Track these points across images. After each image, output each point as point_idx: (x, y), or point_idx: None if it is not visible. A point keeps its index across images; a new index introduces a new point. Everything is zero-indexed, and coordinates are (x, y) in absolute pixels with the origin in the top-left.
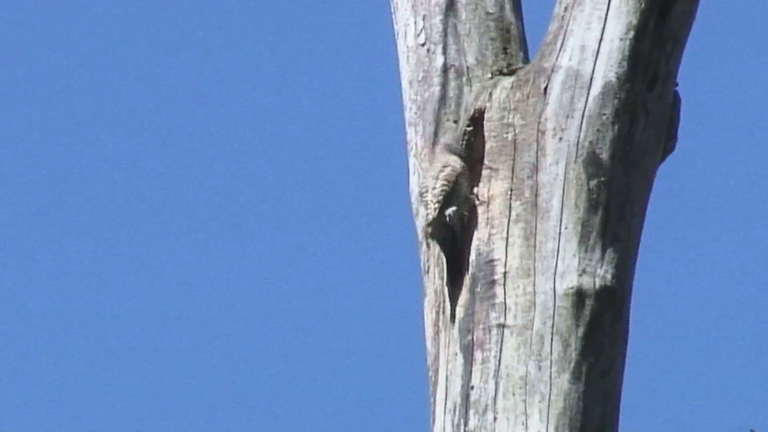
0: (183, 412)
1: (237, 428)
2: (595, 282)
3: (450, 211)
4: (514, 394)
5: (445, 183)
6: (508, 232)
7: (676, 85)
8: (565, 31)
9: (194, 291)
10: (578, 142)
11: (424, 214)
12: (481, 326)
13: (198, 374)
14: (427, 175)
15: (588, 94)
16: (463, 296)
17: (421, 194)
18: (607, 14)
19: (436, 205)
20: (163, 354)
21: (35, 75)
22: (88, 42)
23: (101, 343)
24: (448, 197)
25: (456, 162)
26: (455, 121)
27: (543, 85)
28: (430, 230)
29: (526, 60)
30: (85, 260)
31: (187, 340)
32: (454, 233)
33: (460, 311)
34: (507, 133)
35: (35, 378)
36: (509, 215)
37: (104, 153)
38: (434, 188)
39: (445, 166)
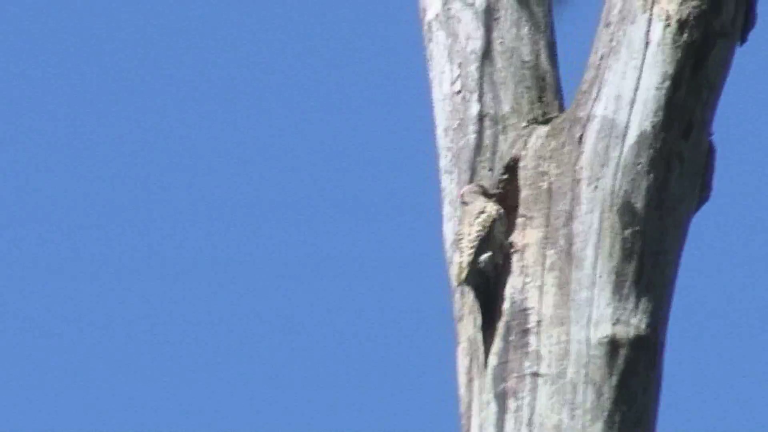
0: (183, 412)
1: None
2: (629, 331)
3: (485, 257)
4: None
5: (481, 229)
6: (542, 281)
7: (712, 134)
8: (601, 80)
9: (207, 291)
10: (613, 191)
11: (458, 260)
12: (514, 374)
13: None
14: (463, 220)
15: (623, 143)
16: (497, 344)
17: (456, 241)
18: (642, 63)
19: (471, 250)
20: (161, 354)
21: (35, 75)
22: (87, 41)
23: (101, 343)
24: (483, 243)
25: (492, 208)
26: (490, 169)
27: (578, 134)
28: (464, 276)
29: (561, 109)
30: (84, 260)
31: (192, 340)
32: (488, 280)
33: (493, 359)
34: (542, 181)
35: (34, 378)
36: (543, 264)
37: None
38: (469, 234)
39: (480, 213)
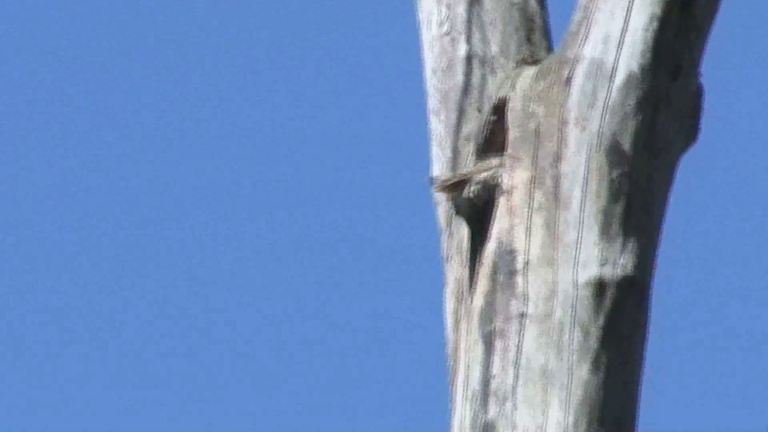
0: (182, 412)
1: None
2: (616, 272)
3: (473, 188)
4: (534, 384)
5: (481, 165)
6: (529, 222)
7: (700, 75)
8: (589, 21)
9: (201, 290)
10: (600, 132)
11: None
12: (501, 315)
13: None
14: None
15: (611, 84)
16: (484, 285)
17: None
18: (630, 4)
19: (467, 170)
20: (160, 353)
21: (35, 74)
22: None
23: (101, 343)
24: (477, 173)
25: (497, 159)
26: (478, 110)
27: (566, 75)
28: (453, 198)
29: (549, 50)
30: (84, 259)
31: (188, 340)
32: (476, 214)
33: (480, 300)
34: (529, 122)
35: (35, 378)
36: (531, 205)
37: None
38: (467, 165)
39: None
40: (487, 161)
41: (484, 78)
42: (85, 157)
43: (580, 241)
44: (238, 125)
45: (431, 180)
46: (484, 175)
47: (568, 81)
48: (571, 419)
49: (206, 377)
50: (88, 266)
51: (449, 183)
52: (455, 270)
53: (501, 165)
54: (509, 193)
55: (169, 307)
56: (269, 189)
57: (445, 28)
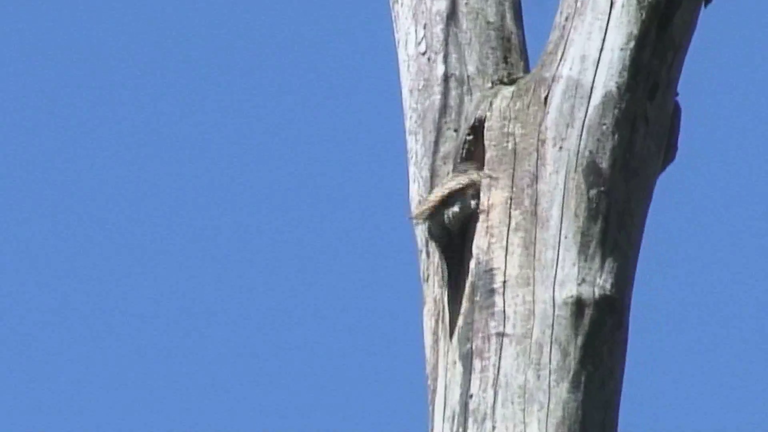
0: (182, 412)
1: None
2: (594, 291)
3: (450, 212)
4: (512, 403)
5: (456, 184)
6: (507, 241)
7: (677, 94)
8: (566, 40)
9: (191, 291)
10: (578, 151)
11: (424, 198)
12: (480, 335)
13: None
14: (442, 179)
15: (588, 103)
16: (463, 305)
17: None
18: (608, 24)
19: (441, 193)
20: (158, 353)
21: (34, 74)
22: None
23: (100, 343)
24: (452, 198)
25: (476, 174)
26: (455, 130)
27: (543, 95)
28: (423, 212)
29: (526, 70)
30: (83, 259)
31: (188, 340)
32: (452, 239)
33: (459, 320)
34: (507, 142)
35: (34, 378)
36: (509, 224)
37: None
38: (443, 185)
39: (463, 172)
40: (461, 175)
41: (461, 98)
42: (85, 157)
43: (558, 261)
44: (224, 133)
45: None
46: (459, 202)
47: (546, 100)
48: None
49: (206, 377)
50: (88, 266)
51: (423, 212)
52: (433, 290)
53: (475, 183)
54: (487, 212)
55: (168, 307)
56: (268, 191)
57: (422, 47)
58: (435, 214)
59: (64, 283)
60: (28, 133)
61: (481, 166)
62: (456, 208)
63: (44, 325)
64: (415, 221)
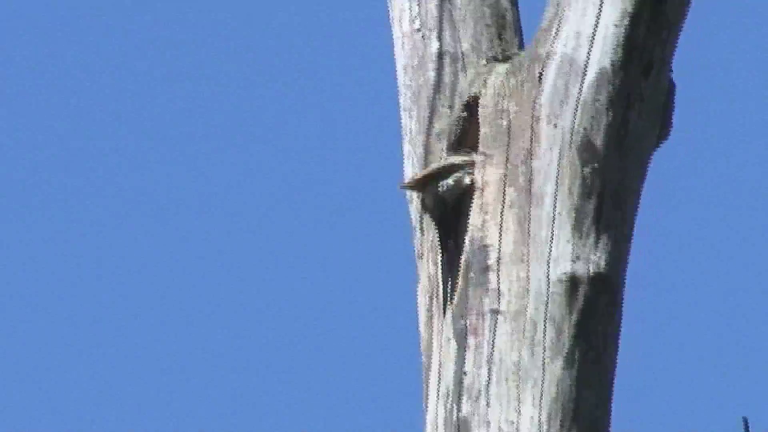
0: (182, 411)
1: (230, 425)
2: (588, 268)
3: (445, 184)
4: (507, 380)
5: (451, 160)
6: (501, 218)
7: (671, 72)
8: (561, 17)
9: (190, 291)
10: (573, 128)
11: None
12: (474, 312)
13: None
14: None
15: (583, 80)
16: (457, 282)
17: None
18: (602, 1)
19: (433, 170)
20: (157, 353)
21: (34, 74)
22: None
23: (99, 343)
24: (447, 172)
25: (470, 154)
26: (450, 107)
27: (538, 72)
28: (415, 183)
29: (521, 47)
30: (83, 259)
31: (184, 340)
32: (446, 214)
33: (453, 297)
34: (501, 119)
35: (35, 378)
36: (503, 201)
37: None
38: (440, 159)
39: (456, 154)
40: (457, 156)
41: (455, 75)
42: (86, 156)
43: (553, 238)
44: (220, 127)
45: (402, 182)
46: (455, 175)
47: (540, 78)
48: (544, 416)
49: (206, 377)
50: (88, 266)
51: (417, 180)
52: (428, 267)
53: (470, 163)
54: (481, 190)
55: (168, 307)
56: (264, 189)
57: (417, 25)
58: (429, 185)
59: (64, 283)
60: (28, 133)
61: (476, 149)
62: (451, 181)
63: (44, 325)
64: (408, 191)
